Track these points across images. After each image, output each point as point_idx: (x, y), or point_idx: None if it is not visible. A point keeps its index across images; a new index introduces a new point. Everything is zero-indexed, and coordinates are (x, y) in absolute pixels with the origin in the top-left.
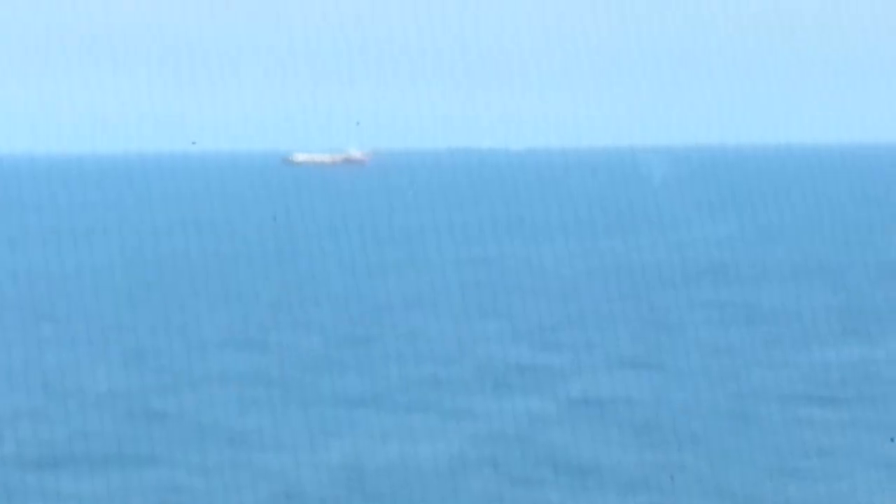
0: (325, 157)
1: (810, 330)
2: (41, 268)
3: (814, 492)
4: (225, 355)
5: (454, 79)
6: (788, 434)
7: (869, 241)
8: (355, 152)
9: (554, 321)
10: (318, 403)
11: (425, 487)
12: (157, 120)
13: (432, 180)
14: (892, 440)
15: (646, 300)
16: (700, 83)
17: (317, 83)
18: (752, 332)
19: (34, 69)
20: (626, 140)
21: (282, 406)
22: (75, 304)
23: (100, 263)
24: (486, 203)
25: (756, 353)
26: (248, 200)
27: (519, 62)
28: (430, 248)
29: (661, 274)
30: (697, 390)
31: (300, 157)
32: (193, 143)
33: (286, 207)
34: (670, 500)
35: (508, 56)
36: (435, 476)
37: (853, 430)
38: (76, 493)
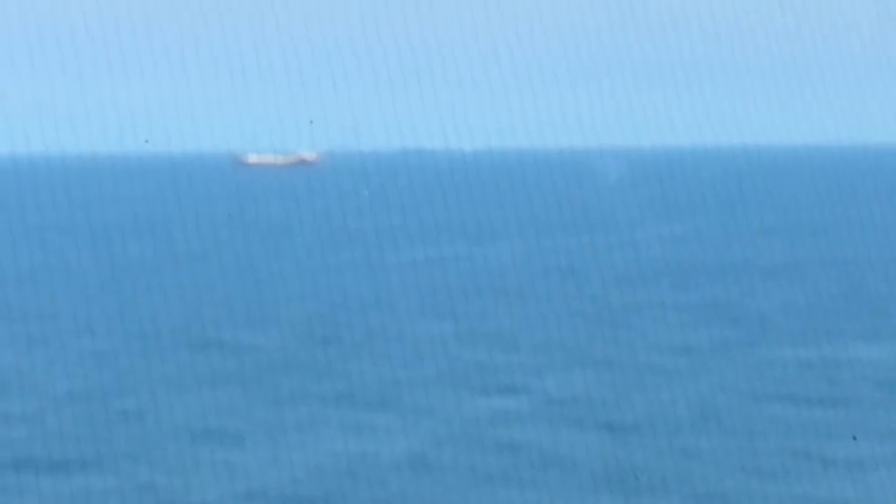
0: (277, 159)
1: (772, 328)
2: None
3: (779, 490)
4: (184, 355)
5: (406, 79)
6: (753, 433)
7: (828, 240)
8: (307, 153)
9: (512, 321)
10: (280, 402)
11: (389, 485)
12: (106, 120)
13: (385, 181)
14: (853, 438)
15: (604, 299)
16: (656, 84)
17: (267, 83)
18: (714, 330)
19: None
20: (582, 142)
21: (244, 405)
22: (30, 304)
23: (53, 263)
24: (439, 204)
25: (718, 352)
26: (201, 201)
27: (470, 62)
28: (384, 249)
29: (619, 273)
30: (660, 389)
31: (252, 158)
32: (146, 141)
33: (240, 208)
34: (635, 499)
35: (460, 56)
36: (399, 474)
37: (818, 428)
38: (40, 495)
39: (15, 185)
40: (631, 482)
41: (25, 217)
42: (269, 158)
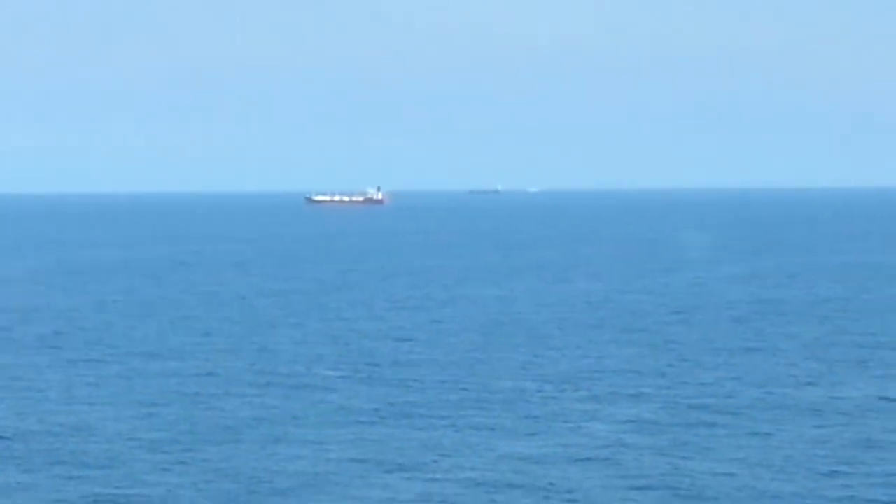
0: (346, 198)
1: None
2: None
3: None
4: (300, 395)
5: (470, 123)
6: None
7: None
8: (375, 193)
9: (574, 360)
10: (427, 429)
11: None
12: (199, 163)
13: (450, 221)
14: None
15: (696, 336)
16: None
17: (338, 127)
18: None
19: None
20: (630, 183)
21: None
22: (138, 338)
23: (151, 299)
24: (503, 243)
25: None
26: (309, 241)
27: (534, 110)
28: (465, 286)
29: (684, 313)
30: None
31: (322, 197)
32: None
33: (321, 246)
34: None
35: (525, 103)
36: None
37: None
38: None
39: (121, 220)
40: None
41: (125, 252)
42: (337, 197)
